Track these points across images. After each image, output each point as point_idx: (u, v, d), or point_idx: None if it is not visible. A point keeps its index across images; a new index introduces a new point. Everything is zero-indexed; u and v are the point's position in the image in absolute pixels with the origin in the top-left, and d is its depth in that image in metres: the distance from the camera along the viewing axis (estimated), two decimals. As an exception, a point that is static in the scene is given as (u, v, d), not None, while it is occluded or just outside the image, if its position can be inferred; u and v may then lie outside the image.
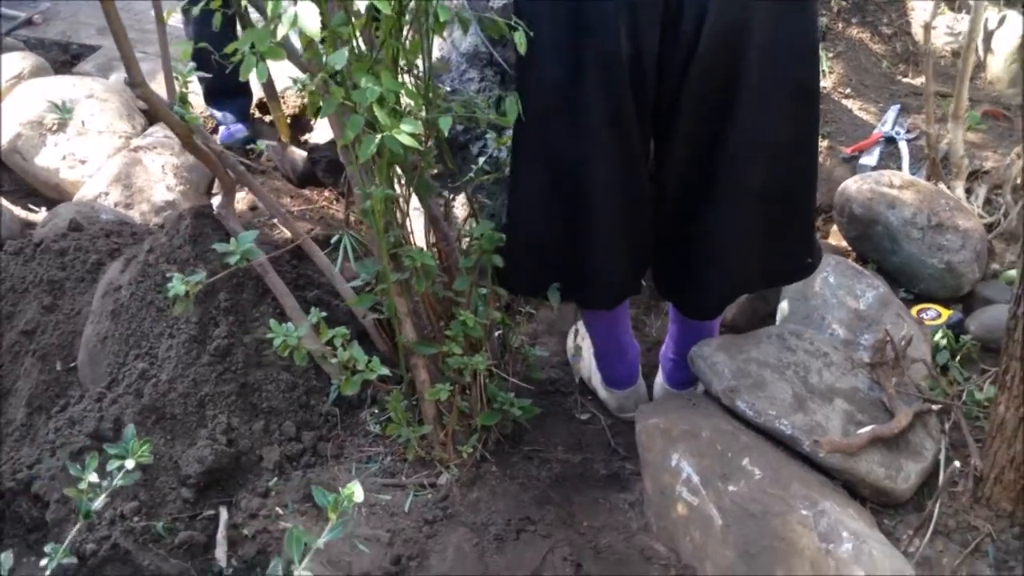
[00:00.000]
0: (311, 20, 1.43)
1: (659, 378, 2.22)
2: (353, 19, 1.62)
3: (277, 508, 1.94)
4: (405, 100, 1.69)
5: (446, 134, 1.66)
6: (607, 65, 1.61)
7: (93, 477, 1.35)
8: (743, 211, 1.78)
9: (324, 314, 1.87)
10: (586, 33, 1.60)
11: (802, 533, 1.67)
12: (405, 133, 1.51)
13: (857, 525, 1.69)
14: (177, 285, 1.73)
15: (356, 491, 1.25)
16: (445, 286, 1.98)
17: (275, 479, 2.00)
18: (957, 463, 1.73)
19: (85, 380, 2.16)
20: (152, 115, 3.36)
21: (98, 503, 1.32)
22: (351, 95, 1.59)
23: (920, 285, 2.36)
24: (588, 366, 2.26)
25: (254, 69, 1.53)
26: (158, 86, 2.12)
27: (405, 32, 1.71)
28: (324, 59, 1.63)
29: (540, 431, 2.14)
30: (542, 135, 1.74)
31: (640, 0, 1.56)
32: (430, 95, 1.77)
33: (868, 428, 1.82)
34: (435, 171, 2.09)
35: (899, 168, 2.73)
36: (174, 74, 2.01)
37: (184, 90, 2.00)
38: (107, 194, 2.97)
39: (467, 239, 2.04)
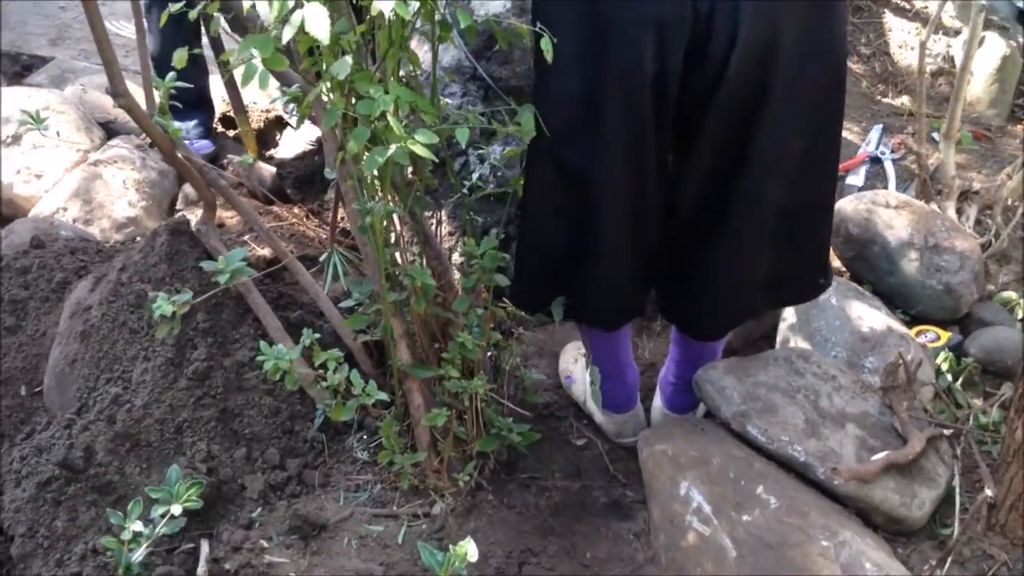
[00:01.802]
0: (320, 24, 1.35)
1: (657, 402, 2.15)
2: (355, 26, 1.53)
3: (261, 540, 1.82)
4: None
5: (463, 145, 1.58)
6: (629, 83, 1.55)
7: (137, 525, 1.21)
8: (759, 227, 1.73)
9: (318, 335, 1.77)
10: (609, 49, 1.54)
11: (823, 565, 1.61)
12: (420, 144, 1.42)
13: (879, 556, 1.64)
14: (163, 305, 1.62)
15: (470, 550, 1.13)
16: (440, 306, 1.90)
17: (259, 509, 1.88)
18: (989, 492, 1.68)
19: (52, 406, 2.02)
20: (111, 128, 3.24)
21: (138, 555, 1.19)
22: (356, 106, 1.50)
23: (918, 306, 2.32)
24: (582, 388, 2.18)
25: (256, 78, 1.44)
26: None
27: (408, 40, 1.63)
28: (323, 68, 1.54)
29: (536, 457, 2.06)
30: (557, 149, 1.67)
31: (668, 20, 1.49)
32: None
33: (883, 454, 1.77)
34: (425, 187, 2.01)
35: (885, 187, 2.71)
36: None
37: (164, 101, 1.90)
38: (65, 210, 2.82)
39: (462, 258, 1.96)
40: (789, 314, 2.20)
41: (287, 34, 1.34)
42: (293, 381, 1.73)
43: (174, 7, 1.70)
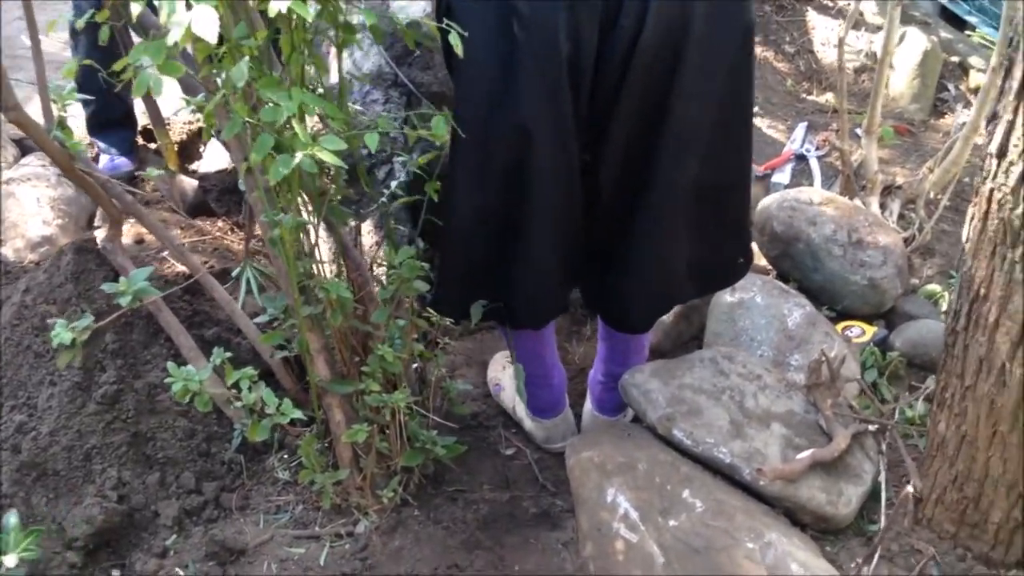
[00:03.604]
0: (209, 27, 1.29)
1: (587, 405, 2.12)
2: (255, 31, 1.48)
3: (177, 569, 1.76)
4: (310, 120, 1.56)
5: (373, 151, 1.53)
6: (546, 65, 1.54)
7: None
8: (677, 208, 1.72)
9: (229, 354, 1.71)
10: (523, 37, 1.52)
11: (749, 568, 1.59)
12: (327, 151, 1.37)
13: (804, 556, 1.62)
14: (61, 332, 1.54)
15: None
16: (359, 319, 1.84)
17: (173, 536, 1.82)
18: (910, 488, 1.67)
19: (-47, 436, 1.93)
20: (26, 145, 3.13)
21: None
22: (259, 113, 1.44)
23: (843, 302, 2.32)
24: (512, 396, 2.15)
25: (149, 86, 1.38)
26: (35, 112, 1.92)
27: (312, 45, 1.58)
28: (224, 75, 1.48)
29: (464, 469, 2.01)
30: (478, 142, 1.64)
31: None
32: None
33: (808, 452, 1.76)
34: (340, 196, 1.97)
35: (811, 185, 2.72)
36: (52, 97, 1.83)
37: (63, 114, 1.82)
38: (-24, 230, 2.72)
39: (382, 268, 1.90)
40: (716, 314, 2.18)
41: (173, 37, 1.28)
42: (204, 403, 1.66)
43: (79, 22, 1.63)
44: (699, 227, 1.76)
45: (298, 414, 1.71)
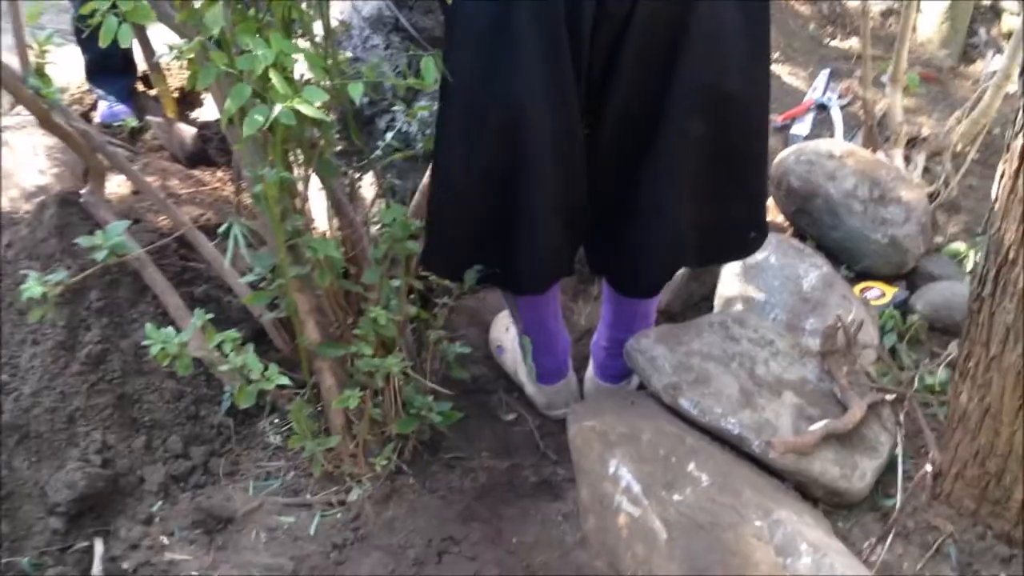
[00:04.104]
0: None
1: (590, 371, 2.03)
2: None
3: (162, 536, 1.70)
4: (299, 69, 1.47)
5: (356, 103, 1.44)
6: (545, 26, 1.44)
7: None
8: (686, 166, 1.62)
9: (211, 315, 1.63)
10: None
11: (756, 546, 1.51)
12: (308, 103, 1.28)
13: (815, 535, 1.53)
14: (32, 286, 1.47)
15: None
16: (352, 279, 1.76)
17: (159, 503, 1.76)
18: (928, 467, 1.58)
19: (-67, 397, 1.87)
20: (20, 90, 3.05)
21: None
22: (235, 61, 1.35)
23: (863, 262, 2.21)
24: (514, 359, 2.06)
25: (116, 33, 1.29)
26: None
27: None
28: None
29: (462, 436, 1.94)
30: (473, 91, 1.54)
31: None
32: (330, 61, 1.54)
33: (821, 424, 1.67)
34: (338, 148, 1.87)
35: (832, 136, 2.59)
36: (30, 43, 1.74)
37: (41, 60, 1.73)
38: (-32, 180, 2.64)
39: (377, 225, 1.81)
40: (727, 276, 2.08)
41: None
42: (185, 366, 1.59)
43: None
44: (708, 191, 1.65)
45: (284, 380, 1.64)
